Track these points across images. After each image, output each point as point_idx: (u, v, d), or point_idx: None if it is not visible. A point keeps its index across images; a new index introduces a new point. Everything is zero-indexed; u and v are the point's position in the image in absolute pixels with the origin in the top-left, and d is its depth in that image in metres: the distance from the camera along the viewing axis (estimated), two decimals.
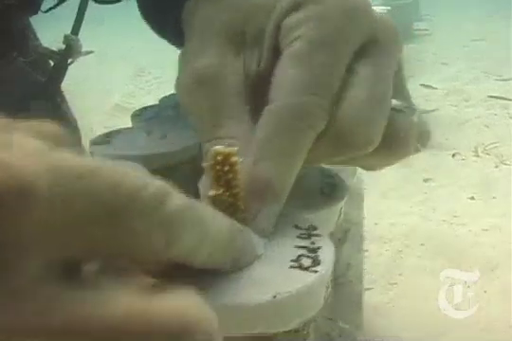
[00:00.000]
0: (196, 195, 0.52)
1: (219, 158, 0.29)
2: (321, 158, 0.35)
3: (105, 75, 2.05)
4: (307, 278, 0.30)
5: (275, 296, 0.28)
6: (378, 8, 1.74)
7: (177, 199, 0.23)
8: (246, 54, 0.37)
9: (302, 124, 0.31)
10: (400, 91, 0.36)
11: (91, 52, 1.11)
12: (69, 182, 0.19)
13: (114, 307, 0.20)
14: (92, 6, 0.90)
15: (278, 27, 0.35)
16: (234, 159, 0.29)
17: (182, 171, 0.53)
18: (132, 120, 0.64)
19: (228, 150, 0.29)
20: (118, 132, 0.57)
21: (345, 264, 0.56)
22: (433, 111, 1.61)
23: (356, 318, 0.51)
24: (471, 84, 2.02)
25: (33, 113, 0.72)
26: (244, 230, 0.30)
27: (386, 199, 1.21)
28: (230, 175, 0.29)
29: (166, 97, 0.74)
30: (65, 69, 1.01)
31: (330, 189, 0.42)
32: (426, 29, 3.06)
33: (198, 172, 0.57)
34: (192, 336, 0.21)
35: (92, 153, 0.52)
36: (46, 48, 0.99)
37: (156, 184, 0.22)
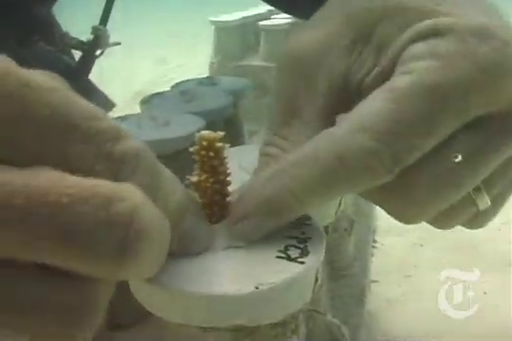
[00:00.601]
0: None
1: (204, 143, 0.28)
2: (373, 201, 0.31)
3: (127, 63, 2.06)
4: (293, 269, 0.28)
5: (257, 287, 0.27)
6: None
7: (134, 143, 0.22)
8: (361, 56, 0.30)
9: (347, 171, 0.26)
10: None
11: (119, 43, 1.10)
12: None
13: (36, 176, 0.19)
14: None
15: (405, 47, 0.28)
16: (219, 145, 0.28)
17: (184, 158, 0.52)
18: (140, 107, 0.63)
19: (213, 135, 0.28)
20: (124, 118, 0.56)
21: (351, 256, 0.55)
22: None
23: (357, 312, 0.50)
24: None
25: None
26: (197, 215, 0.28)
27: None
28: (216, 161, 0.28)
29: (177, 83, 0.73)
30: (94, 60, 1.02)
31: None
32: None
33: None
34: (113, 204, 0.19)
35: None
36: (74, 38, 0.99)
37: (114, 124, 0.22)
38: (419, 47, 0.27)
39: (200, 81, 0.72)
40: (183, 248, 0.28)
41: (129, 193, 0.20)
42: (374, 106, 0.26)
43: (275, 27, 1.27)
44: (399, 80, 0.26)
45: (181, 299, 0.27)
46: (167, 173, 0.25)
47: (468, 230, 0.34)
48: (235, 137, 0.68)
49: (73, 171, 0.20)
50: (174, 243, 0.24)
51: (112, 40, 1.07)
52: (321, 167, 0.26)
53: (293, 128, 0.31)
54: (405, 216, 0.30)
